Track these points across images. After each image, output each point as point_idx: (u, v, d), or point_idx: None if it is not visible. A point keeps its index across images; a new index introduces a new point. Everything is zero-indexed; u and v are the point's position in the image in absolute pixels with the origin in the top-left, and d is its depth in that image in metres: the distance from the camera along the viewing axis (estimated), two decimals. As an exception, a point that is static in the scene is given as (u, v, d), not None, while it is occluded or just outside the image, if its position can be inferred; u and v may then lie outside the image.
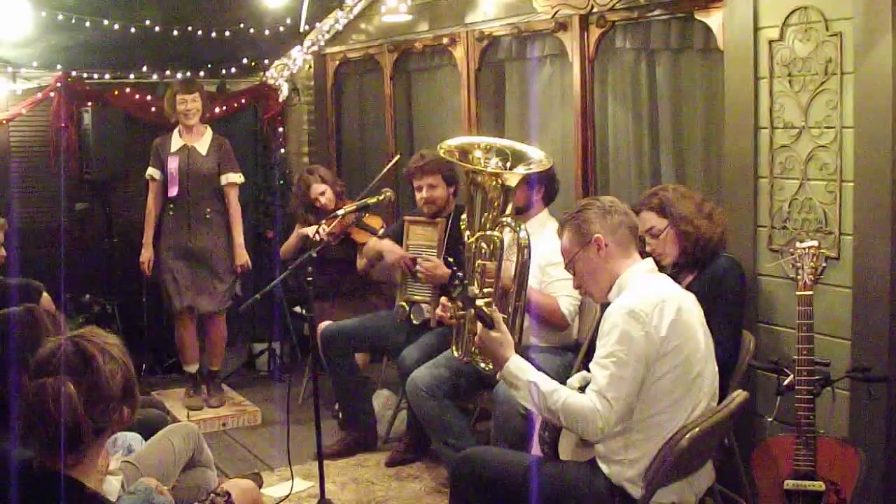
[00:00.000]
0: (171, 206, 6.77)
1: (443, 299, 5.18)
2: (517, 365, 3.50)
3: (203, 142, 6.81)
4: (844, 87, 4.11)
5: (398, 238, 5.98)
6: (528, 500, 3.51)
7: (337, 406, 6.36)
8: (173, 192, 6.73)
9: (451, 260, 5.32)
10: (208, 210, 6.79)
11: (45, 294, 5.59)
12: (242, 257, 6.89)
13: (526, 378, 3.45)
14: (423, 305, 5.72)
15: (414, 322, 5.75)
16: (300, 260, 5.04)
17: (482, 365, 4.39)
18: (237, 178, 6.88)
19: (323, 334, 5.94)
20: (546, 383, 3.42)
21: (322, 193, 6.78)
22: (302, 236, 6.73)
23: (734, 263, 4.40)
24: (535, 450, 3.87)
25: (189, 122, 6.72)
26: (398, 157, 6.54)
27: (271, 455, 6.00)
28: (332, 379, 6.01)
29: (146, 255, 6.82)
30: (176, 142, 6.78)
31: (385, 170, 6.39)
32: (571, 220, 3.66)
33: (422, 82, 7.47)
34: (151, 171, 6.81)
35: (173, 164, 6.70)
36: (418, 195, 5.80)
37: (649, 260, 3.66)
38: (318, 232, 5.91)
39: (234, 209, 6.90)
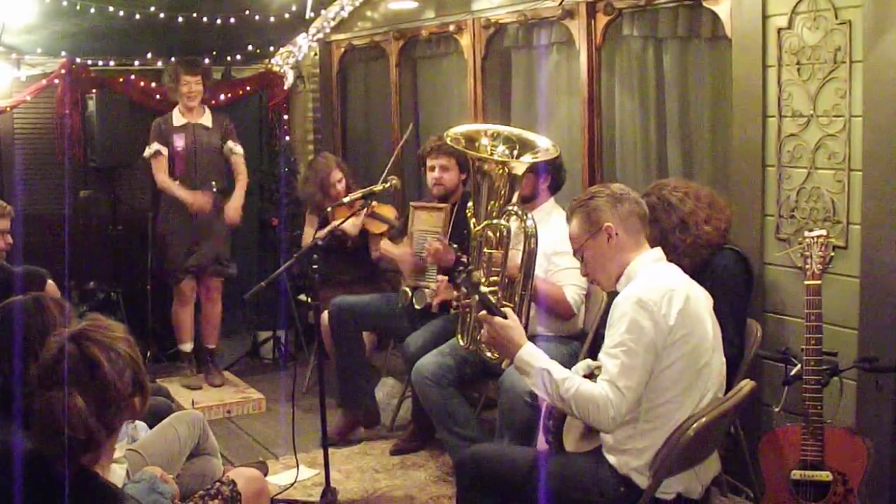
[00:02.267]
0: (178, 182, 6.82)
1: (439, 279, 5.19)
2: (529, 352, 3.49)
3: (206, 118, 6.93)
4: (853, 76, 4.09)
5: (404, 226, 5.97)
6: (535, 494, 3.50)
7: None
8: (181, 168, 6.81)
9: (454, 246, 5.34)
10: (215, 184, 6.85)
11: (49, 281, 5.58)
12: (236, 216, 6.92)
13: (538, 365, 3.44)
14: (426, 290, 5.72)
15: (416, 306, 5.75)
16: (305, 248, 5.03)
17: (487, 354, 4.38)
18: (239, 149, 6.99)
19: (334, 308, 5.95)
20: (559, 371, 3.40)
21: (339, 181, 6.80)
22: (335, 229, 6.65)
23: (738, 257, 4.37)
24: (541, 439, 3.85)
25: (191, 105, 6.80)
26: (412, 126, 6.46)
27: (276, 443, 6.01)
28: (336, 355, 6.00)
29: (194, 196, 6.78)
30: (178, 119, 6.85)
31: (403, 139, 6.37)
32: (581, 207, 3.63)
33: (428, 70, 7.45)
34: (158, 147, 6.83)
35: (179, 141, 6.78)
36: (430, 175, 5.81)
37: (658, 249, 3.64)
38: (353, 225, 5.90)
39: (241, 172, 7.01)
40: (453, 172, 5.76)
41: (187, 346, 7.17)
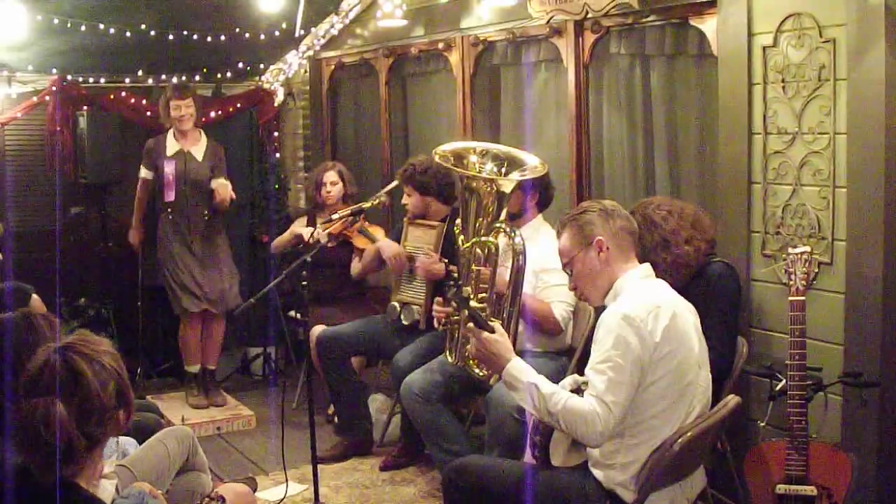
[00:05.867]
0: (170, 210, 6.84)
1: (437, 300, 5.20)
2: (517, 366, 3.50)
3: (199, 148, 6.89)
4: (838, 94, 4.12)
5: (397, 240, 6.01)
6: (521, 507, 3.52)
7: (331, 410, 6.38)
8: (170, 196, 6.81)
9: (445, 261, 5.37)
10: (206, 213, 6.87)
11: (34, 296, 5.58)
12: (224, 191, 6.82)
13: (526, 379, 3.45)
14: (414, 307, 5.75)
15: (404, 322, 5.78)
16: (295, 265, 5.05)
17: (476, 371, 4.40)
18: (221, 183, 6.94)
19: (318, 340, 5.96)
20: (546, 386, 3.41)
21: (333, 183, 6.80)
22: (295, 235, 6.75)
23: (728, 268, 4.40)
24: (528, 454, 3.87)
25: (183, 128, 6.79)
26: (397, 182, 6.51)
27: (266, 459, 6.01)
28: (328, 384, 6.02)
29: (136, 236, 7.04)
30: (172, 145, 6.83)
31: (385, 190, 6.40)
32: (573, 221, 3.66)
33: (417, 87, 7.48)
34: (144, 174, 6.93)
35: (170, 168, 6.76)
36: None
37: (647, 265, 3.67)
38: (312, 235, 5.95)
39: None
40: (414, 197, 5.87)
41: (194, 368, 7.14)
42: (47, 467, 2.57)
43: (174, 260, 6.85)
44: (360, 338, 6.01)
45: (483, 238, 4.45)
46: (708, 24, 4.77)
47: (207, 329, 7.10)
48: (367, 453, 6.03)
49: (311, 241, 6.16)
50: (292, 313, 7.25)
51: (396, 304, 5.85)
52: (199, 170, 6.85)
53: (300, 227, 6.80)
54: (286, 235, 6.89)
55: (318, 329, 6.10)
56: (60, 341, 2.73)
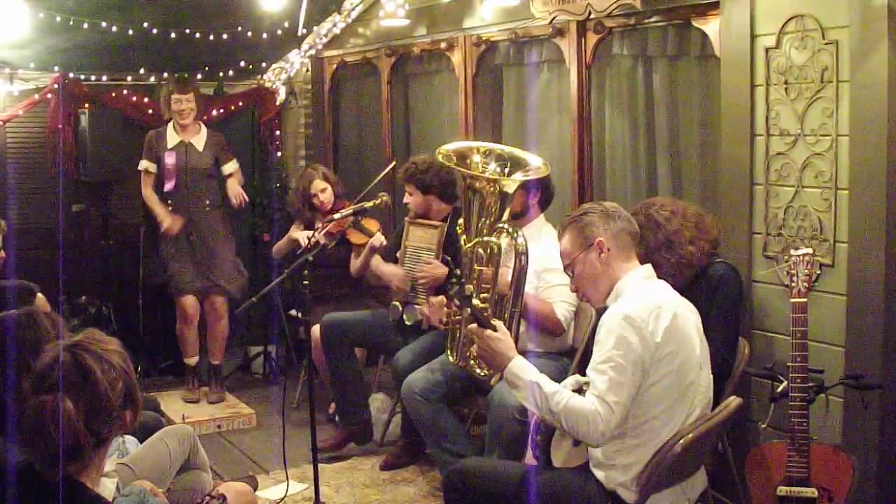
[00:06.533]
0: (171, 200, 6.86)
1: (437, 299, 5.21)
2: (519, 366, 3.50)
3: (199, 139, 6.94)
4: (840, 95, 4.12)
5: (398, 240, 6.01)
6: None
7: (332, 409, 6.38)
8: (169, 186, 6.84)
9: (448, 259, 5.37)
10: (207, 203, 6.92)
11: (39, 294, 5.58)
12: (237, 194, 6.99)
13: (528, 378, 3.45)
14: (417, 307, 5.74)
15: (406, 323, 5.77)
16: (296, 264, 5.04)
17: (477, 370, 4.40)
18: (233, 166, 7.06)
19: (323, 324, 5.95)
20: (548, 385, 3.41)
21: (322, 191, 6.80)
22: (292, 240, 6.77)
23: (730, 269, 4.40)
24: (529, 454, 3.87)
25: (184, 122, 6.81)
26: (395, 162, 6.54)
27: (266, 458, 6.01)
28: (330, 370, 5.99)
29: (169, 221, 6.83)
30: (172, 137, 6.86)
31: (381, 175, 6.42)
32: (574, 223, 3.66)
33: (419, 86, 7.48)
34: (146, 165, 6.90)
35: (170, 159, 6.79)
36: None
37: (648, 266, 3.66)
38: (308, 239, 5.96)
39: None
40: (416, 196, 5.86)
41: (192, 360, 7.18)
42: (53, 464, 2.58)
43: (173, 249, 6.89)
44: (364, 327, 6.00)
45: (486, 238, 4.46)
46: (710, 26, 4.77)
47: (208, 324, 7.12)
48: (366, 446, 6.05)
49: (309, 244, 6.15)
50: (293, 312, 7.26)
51: (398, 303, 5.84)
52: (201, 160, 6.90)
53: (297, 233, 6.80)
54: (284, 241, 6.91)
55: (319, 327, 6.10)
56: (69, 339, 2.73)
